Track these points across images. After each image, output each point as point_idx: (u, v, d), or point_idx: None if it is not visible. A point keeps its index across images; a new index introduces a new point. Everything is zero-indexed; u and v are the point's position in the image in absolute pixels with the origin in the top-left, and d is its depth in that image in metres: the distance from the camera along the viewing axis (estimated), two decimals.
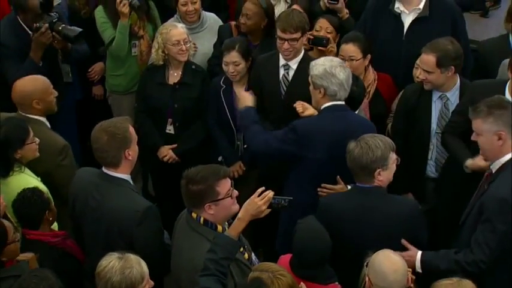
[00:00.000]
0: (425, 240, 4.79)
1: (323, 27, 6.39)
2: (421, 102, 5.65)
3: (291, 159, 5.30)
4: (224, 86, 6.22)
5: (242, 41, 6.22)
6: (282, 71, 5.91)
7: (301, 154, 5.19)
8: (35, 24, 6.11)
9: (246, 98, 5.59)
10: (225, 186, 4.28)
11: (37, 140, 5.08)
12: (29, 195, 4.69)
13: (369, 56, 5.96)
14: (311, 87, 5.26)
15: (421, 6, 6.06)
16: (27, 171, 5.04)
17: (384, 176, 4.67)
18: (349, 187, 5.01)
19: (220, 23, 6.86)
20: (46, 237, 4.70)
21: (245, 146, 6.23)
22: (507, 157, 4.47)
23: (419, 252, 4.59)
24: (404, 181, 5.54)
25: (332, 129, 5.13)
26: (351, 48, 5.88)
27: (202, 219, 4.30)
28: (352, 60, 5.80)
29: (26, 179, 4.95)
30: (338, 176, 5.12)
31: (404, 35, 6.12)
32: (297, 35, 5.71)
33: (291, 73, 5.89)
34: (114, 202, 4.55)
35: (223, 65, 6.15)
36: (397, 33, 6.13)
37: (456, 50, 5.46)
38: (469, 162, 5.11)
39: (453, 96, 5.57)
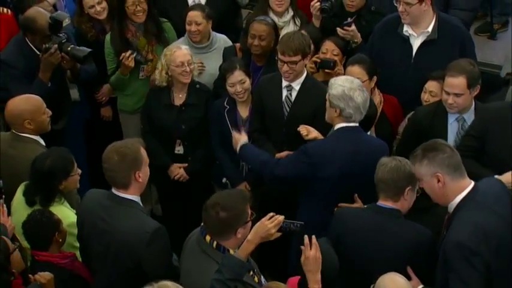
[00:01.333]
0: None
1: (329, 49, 6.39)
2: (435, 124, 5.58)
3: (303, 181, 5.32)
4: (228, 107, 6.23)
5: (241, 60, 6.27)
6: (284, 92, 5.91)
7: (314, 175, 5.20)
8: (44, 45, 6.13)
9: (237, 139, 5.65)
10: (249, 208, 4.34)
11: (79, 171, 5.11)
12: (38, 216, 4.70)
13: (374, 78, 5.95)
14: (327, 104, 5.26)
15: (430, 29, 6.05)
16: (66, 203, 5.06)
17: (409, 198, 4.68)
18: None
19: (230, 43, 6.86)
20: (55, 258, 4.71)
21: (249, 166, 6.23)
22: (458, 199, 4.40)
23: (420, 286, 4.53)
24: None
25: (345, 151, 5.15)
26: (356, 70, 5.86)
27: (215, 243, 4.28)
28: None
29: (63, 212, 4.97)
30: (356, 195, 5.10)
31: (413, 58, 6.11)
32: (296, 58, 5.71)
33: (294, 94, 5.89)
34: (123, 223, 4.53)
35: (228, 87, 6.15)
36: (405, 56, 6.12)
37: (477, 70, 5.45)
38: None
39: (470, 118, 5.53)
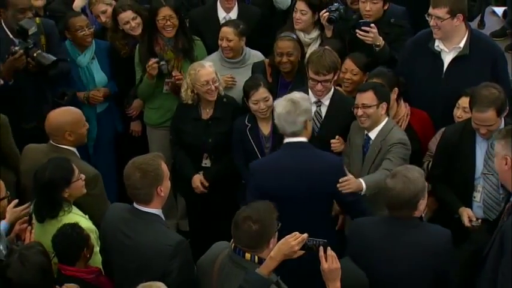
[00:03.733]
0: (450, 276, 4.72)
1: (348, 69, 6.31)
2: (463, 143, 5.53)
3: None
4: (250, 125, 6.22)
5: (262, 76, 6.28)
6: (314, 108, 5.89)
7: (262, 193, 5.10)
8: (11, 48, 6.21)
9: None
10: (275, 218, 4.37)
11: (83, 176, 5.09)
12: (69, 231, 4.69)
13: (396, 90, 5.89)
14: None
15: (462, 44, 5.97)
16: (75, 209, 5.04)
17: (423, 205, 4.68)
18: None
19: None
20: (82, 273, 4.69)
21: None
22: None
23: None
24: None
25: (288, 167, 5.17)
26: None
27: (256, 258, 4.26)
28: None
29: (76, 218, 4.95)
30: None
31: (444, 73, 6.05)
32: (329, 76, 5.75)
33: (324, 109, 5.91)
34: (145, 237, 4.52)
35: (251, 104, 6.14)
36: (436, 71, 6.06)
37: (503, 94, 5.35)
38: None
39: None
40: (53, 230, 4.82)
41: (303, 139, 5.23)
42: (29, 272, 4.28)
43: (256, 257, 4.25)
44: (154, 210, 4.59)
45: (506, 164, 4.52)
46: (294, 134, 5.21)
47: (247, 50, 6.81)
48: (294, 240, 4.25)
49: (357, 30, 6.41)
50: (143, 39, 6.88)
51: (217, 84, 6.28)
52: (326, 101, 5.89)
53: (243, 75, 6.59)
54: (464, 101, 5.75)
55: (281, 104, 5.24)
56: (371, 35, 6.37)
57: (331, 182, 5.17)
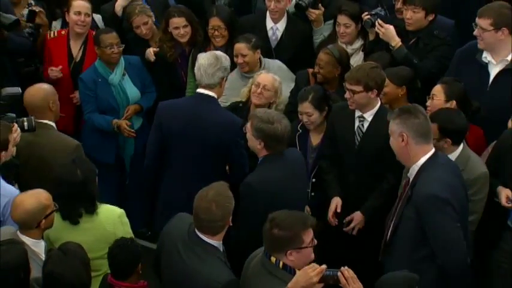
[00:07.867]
0: None
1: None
2: None
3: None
4: (300, 131, 6.23)
5: (317, 91, 6.20)
6: (357, 122, 5.90)
7: (163, 138, 5.66)
8: None
9: None
10: (309, 235, 4.32)
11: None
12: (128, 243, 4.68)
13: (453, 102, 5.76)
14: None
15: (510, 58, 5.96)
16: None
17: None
18: None
19: (285, 68, 6.91)
20: None
21: (312, 193, 6.20)
22: (422, 160, 4.83)
23: None
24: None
25: (188, 113, 5.58)
26: (438, 88, 5.83)
27: (281, 263, 4.29)
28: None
29: (109, 208, 5.04)
30: None
31: (489, 85, 6.04)
32: (356, 88, 5.66)
33: (366, 124, 5.88)
34: (199, 268, 4.49)
35: (299, 114, 6.19)
36: (482, 83, 6.06)
37: None
38: None
39: None
40: (93, 227, 4.88)
41: (214, 94, 5.64)
42: (71, 261, 4.22)
43: (281, 262, 4.28)
44: (216, 242, 4.57)
45: (403, 140, 4.81)
46: (209, 86, 5.63)
47: (266, 60, 6.85)
48: (313, 272, 4.19)
49: (376, 22, 6.55)
50: (197, 46, 7.01)
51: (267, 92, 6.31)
52: (369, 117, 5.85)
53: None
54: None
55: (204, 56, 5.63)
56: (382, 29, 6.50)
57: (227, 139, 5.55)
